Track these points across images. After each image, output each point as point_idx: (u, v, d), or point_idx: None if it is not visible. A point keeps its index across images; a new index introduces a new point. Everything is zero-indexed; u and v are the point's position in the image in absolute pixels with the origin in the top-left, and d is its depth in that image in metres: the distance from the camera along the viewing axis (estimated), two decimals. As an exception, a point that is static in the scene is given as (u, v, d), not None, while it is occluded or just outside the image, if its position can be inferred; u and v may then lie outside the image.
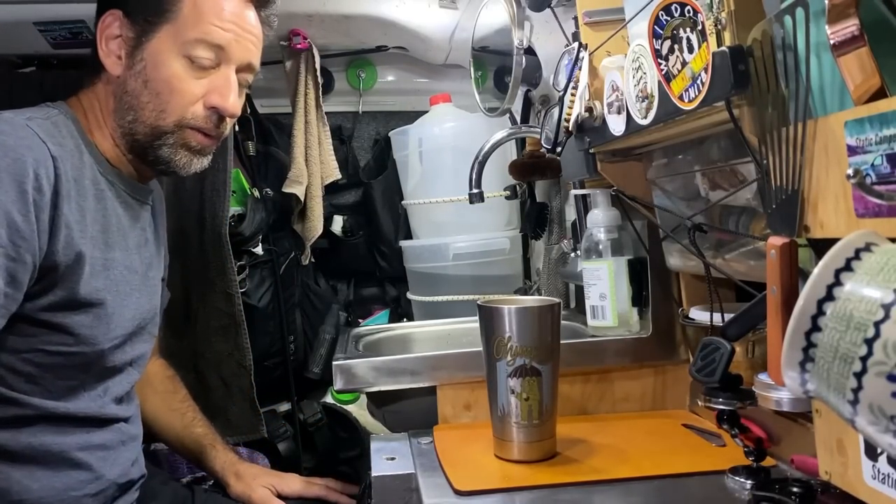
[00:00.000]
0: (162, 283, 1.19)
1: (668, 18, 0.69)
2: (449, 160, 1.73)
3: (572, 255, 1.41)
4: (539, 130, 1.24)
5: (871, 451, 0.63)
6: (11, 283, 0.86)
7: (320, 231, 1.71)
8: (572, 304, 1.54)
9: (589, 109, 0.92)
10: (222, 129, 1.03)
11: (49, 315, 0.92)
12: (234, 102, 1.00)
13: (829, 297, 0.45)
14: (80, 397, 0.98)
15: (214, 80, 0.99)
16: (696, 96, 0.67)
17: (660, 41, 0.71)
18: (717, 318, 0.88)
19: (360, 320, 1.93)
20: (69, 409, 0.96)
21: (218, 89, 0.99)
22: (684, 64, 0.68)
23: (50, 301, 0.91)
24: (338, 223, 1.88)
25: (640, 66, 0.77)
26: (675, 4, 0.68)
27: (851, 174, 0.49)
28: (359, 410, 1.81)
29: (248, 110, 1.66)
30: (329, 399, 1.85)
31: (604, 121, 0.90)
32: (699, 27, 0.65)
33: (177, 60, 0.97)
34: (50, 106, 0.99)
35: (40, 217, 0.87)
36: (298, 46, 1.61)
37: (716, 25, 0.64)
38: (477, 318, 0.96)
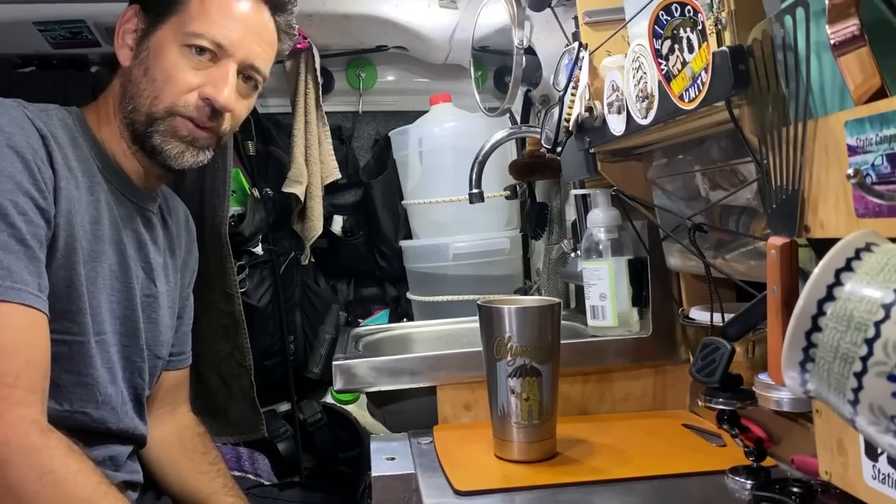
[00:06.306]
0: (180, 320, 1.17)
1: (669, 18, 0.69)
2: (449, 160, 1.72)
3: (572, 255, 1.41)
4: (539, 130, 1.24)
5: (872, 452, 0.63)
6: (42, 249, 0.87)
7: (320, 231, 1.71)
8: (572, 304, 1.54)
9: (589, 109, 0.92)
10: (218, 123, 1.01)
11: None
12: (227, 95, 0.99)
13: (830, 297, 0.45)
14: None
15: (212, 73, 0.99)
16: (697, 96, 0.67)
17: (660, 41, 0.71)
18: (717, 318, 0.88)
19: (360, 320, 1.93)
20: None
21: (213, 81, 0.98)
22: (684, 64, 0.68)
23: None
24: (338, 223, 1.88)
25: (640, 66, 0.77)
26: (675, 4, 0.68)
27: (852, 174, 0.49)
28: (359, 410, 1.81)
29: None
30: (329, 399, 1.85)
31: (604, 121, 0.90)
32: (699, 27, 0.65)
33: (176, 50, 0.98)
34: (55, 105, 1.00)
35: (48, 186, 0.89)
36: (298, 46, 1.60)
37: (716, 25, 0.64)
38: (477, 318, 0.96)
